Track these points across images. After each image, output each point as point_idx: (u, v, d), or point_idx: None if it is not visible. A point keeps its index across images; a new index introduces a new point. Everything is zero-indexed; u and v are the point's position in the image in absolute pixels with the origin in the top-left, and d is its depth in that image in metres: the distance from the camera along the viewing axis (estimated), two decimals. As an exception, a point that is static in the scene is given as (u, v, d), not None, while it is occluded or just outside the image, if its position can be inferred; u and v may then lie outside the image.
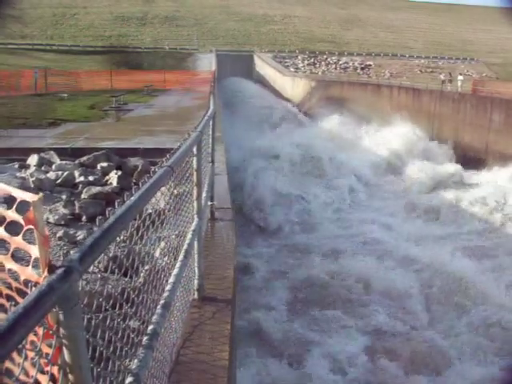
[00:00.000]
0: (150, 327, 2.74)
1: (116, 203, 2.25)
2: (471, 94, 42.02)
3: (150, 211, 3.04)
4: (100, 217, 2.02)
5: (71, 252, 1.65)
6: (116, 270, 2.41)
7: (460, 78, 46.11)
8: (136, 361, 2.40)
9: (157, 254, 3.62)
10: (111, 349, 2.14)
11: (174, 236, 3.91)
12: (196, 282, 4.88)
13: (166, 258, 3.61)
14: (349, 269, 16.15)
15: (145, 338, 2.62)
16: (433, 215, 23.08)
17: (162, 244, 3.70)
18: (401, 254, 17.80)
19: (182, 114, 22.88)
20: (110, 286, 2.44)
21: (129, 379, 2.25)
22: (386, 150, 33.97)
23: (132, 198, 2.37)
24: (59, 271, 1.51)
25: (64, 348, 1.59)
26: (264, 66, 67.28)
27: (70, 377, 1.63)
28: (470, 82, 46.16)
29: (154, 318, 2.85)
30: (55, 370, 1.64)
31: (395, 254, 17.90)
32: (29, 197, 1.72)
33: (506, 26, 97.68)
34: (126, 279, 2.88)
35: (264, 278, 16.11)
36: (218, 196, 8.24)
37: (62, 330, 1.56)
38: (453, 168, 31.16)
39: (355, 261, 16.93)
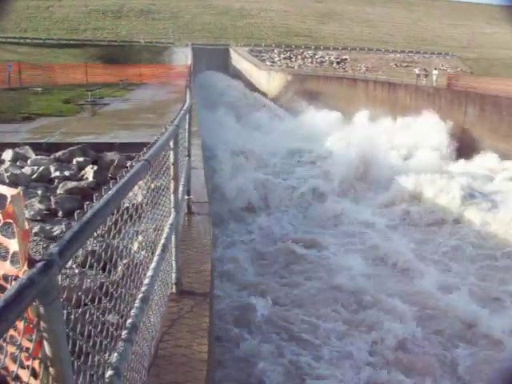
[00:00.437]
0: (129, 321, 2.74)
1: (94, 197, 2.25)
2: (446, 88, 42.37)
3: (128, 205, 3.04)
4: (78, 211, 2.02)
5: (50, 246, 1.65)
6: (94, 265, 2.41)
7: (435, 72, 46.42)
8: (115, 354, 2.40)
9: (134, 248, 3.62)
10: (91, 343, 2.15)
11: (151, 230, 3.92)
12: (174, 275, 4.88)
13: (143, 252, 3.62)
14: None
15: (124, 332, 2.63)
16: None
17: (140, 238, 3.71)
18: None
19: (158, 107, 22.78)
20: (88, 281, 2.45)
21: (109, 372, 2.26)
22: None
23: (110, 191, 2.38)
24: (39, 265, 1.51)
25: (45, 341, 1.60)
26: (240, 60, 67.18)
27: (51, 370, 1.63)
28: (445, 77, 46.54)
29: (133, 311, 2.86)
30: (36, 364, 1.64)
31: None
32: (7, 191, 1.71)
33: (480, 22, 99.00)
34: (105, 274, 2.87)
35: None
36: (194, 190, 8.22)
37: (42, 324, 1.57)
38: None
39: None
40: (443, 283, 14.22)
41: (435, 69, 49.05)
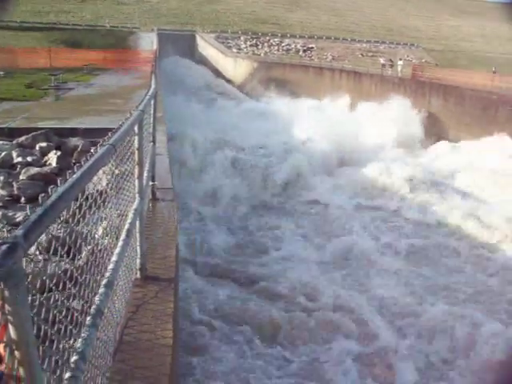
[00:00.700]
0: (94, 306, 2.74)
1: (59, 181, 2.23)
2: (411, 78, 42.85)
3: (92, 191, 3.03)
4: (43, 194, 2.00)
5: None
6: (59, 250, 2.40)
7: (400, 62, 46.90)
8: (80, 339, 2.40)
9: (99, 233, 3.61)
10: (56, 328, 2.14)
11: (115, 215, 3.90)
12: (138, 261, 4.87)
13: (108, 238, 3.61)
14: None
15: (89, 317, 2.62)
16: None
17: (104, 223, 3.69)
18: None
19: (123, 93, 22.52)
20: (52, 266, 2.44)
21: (74, 357, 2.26)
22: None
23: (74, 175, 2.36)
24: (3, 247, 1.50)
25: (10, 325, 1.59)
26: (206, 47, 66.76)
27: (17, 354, 1.62)
28: (410, 67, 47.02)
29: (98, 297, 2.85)
30: (1, 347, 1.64)
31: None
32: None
33: (446, 14, 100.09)
34: (69, 259, 2.86)
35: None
36: (159, 176, 8.19)
37: (7, 307, 1.56)
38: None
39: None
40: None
41: (400, 59, 49.57)
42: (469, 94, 36.96)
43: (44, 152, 10.76)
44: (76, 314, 2.47)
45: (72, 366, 2.21)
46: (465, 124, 33.79)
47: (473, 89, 37.41)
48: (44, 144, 11.05)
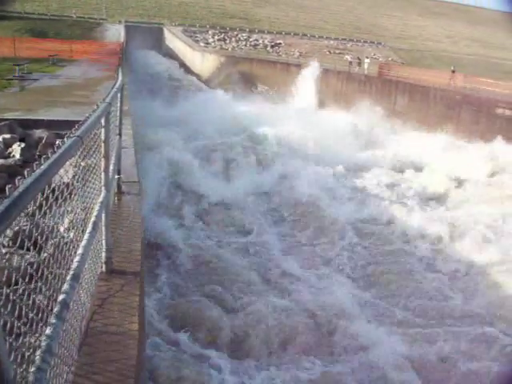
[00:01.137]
0: (60, 299, 2.72)
1: (26, 172, 2.22)
2: (377, 76, 43.28)
3: (58, 183, 3.00)
4: (9, 186, 1.99)
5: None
6: (25, 243, 2.38)
7: (367, 60, 47.29)
8: (47, 332, 2.39)
9: (65, 226, 3.58)
10: (22, 321, 2.13)
11: (81, 208, 3.88)
12: (104, 254, 4.84)
13: (73, 231, 3.58)
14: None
15: (55, 310, 2.60)
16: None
17: (70, 216, 3.66)
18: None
19: (89, 85, 22.24)
20: (18, 259, 2.42)
21: (40, 350, 2.25)
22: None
23: (42, 166, 2.35)
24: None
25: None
26: (174, 40, 66.34)
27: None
28: (377, 66, 47.45)
29: (63, 290, 2.83)
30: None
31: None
32: None
33: (413, 14, 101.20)
34: (35, 252, 2.84)
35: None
36: (124, 170, 8.12)
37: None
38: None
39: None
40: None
41: (367, 57, 49.94)
42: (434, 93, 37.56)
43: (8, 144, 10.58)
44: (42, 307, 2.45)
45: (38, 358, 2.20)
46: (430, 123, 34.38)
47: (438, 88, 38.01)
48: (7, 135, 10.87)
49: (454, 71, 42.20)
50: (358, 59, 49.66)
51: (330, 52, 64.55)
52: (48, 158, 2.54)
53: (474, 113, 35.33)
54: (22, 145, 10.30)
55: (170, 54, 64.42)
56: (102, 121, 4.62)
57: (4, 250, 2.21)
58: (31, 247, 2.46)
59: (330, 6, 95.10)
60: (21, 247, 2.38)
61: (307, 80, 42.19)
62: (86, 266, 3.65)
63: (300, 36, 72.42)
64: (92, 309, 4.17)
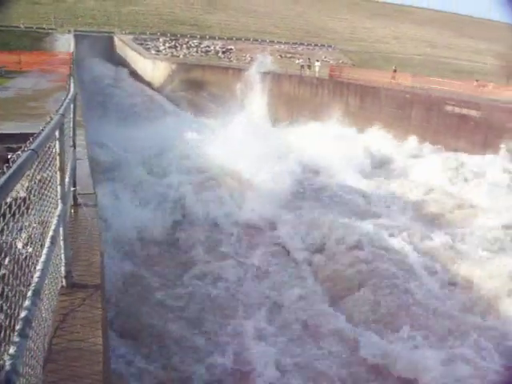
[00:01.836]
0: (22, 316, 2.66)
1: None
2: (328, 79, 43.77)
3: (15, 198, 2.95)
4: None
5: None
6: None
7: (317, 63, 47.77)
8: (10, 350, 2.33)
9: (23, 241, 3.52)
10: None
11: (38, 223, 3.81)
12: (63, 269, 4.77)
13: (32, 246, 3.52)
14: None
15: (17, 327, 2.55)
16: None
17: (27, 231, 3.60)
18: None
19: (40, 96, 21.88)
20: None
21: (5, 369, 2.19)
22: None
23: (-2, 182, 2.31)
24: None
25: None
26: (125, 48, 65.75)
27: None
28: (328, 68, 47.99)
29: (25, 306, 2.78)
30: None
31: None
32: None
33: (362, 16, 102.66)
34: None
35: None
36: (80, 181, 8.03)
37: None
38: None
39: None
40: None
41: (317, 60, 50.44)
42: (384, 94, 38.16)
43: (-43, 159, 10.32)
44: (4, 326, 2.40)
45: (3, 379, 2.15)
46: (381, 123, 35.01)
47: (388, 88, 38.69)
48: (-44, 151, 10.61)
49: (395, 70, 43.33)
50: (309, 61, 50.07)
51: (281, 56, 64.93)
52: (3, 173, 2.49)
53: (424, 111, 36.07)
54: (-29, 159, 10.06)
55: (122, 63, 63.84)
56: (57, 133, 4.56)
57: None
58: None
59: (280, 11, 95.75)
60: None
61: (259, 84, 42.31)
62: (46, 282, 3.59)
63: (251, 41, 72.68)
64: (54, 325, 4.10)
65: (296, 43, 73.52)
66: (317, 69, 46.71)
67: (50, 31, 68.77)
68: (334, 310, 13.61)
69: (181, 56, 63.14)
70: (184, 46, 69.29)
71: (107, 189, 18.19)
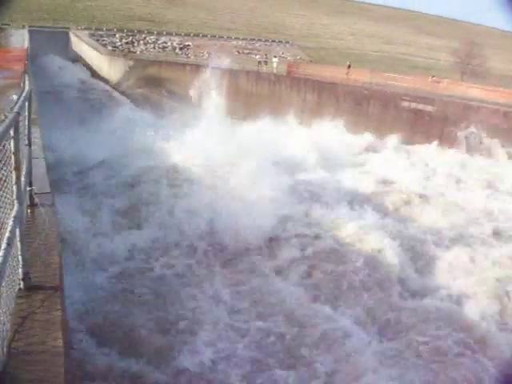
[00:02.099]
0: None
1: None
2: (286, 75, 43.98)
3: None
4: None
5: None
6: None
7: (275, 60, 47.91)
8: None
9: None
10: None
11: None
12: (21, 270, 4.67)
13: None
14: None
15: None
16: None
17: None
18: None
19: (-8, 94, 21.40)
20: None
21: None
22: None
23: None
24: None
25: None
26: (81, 44, 64.81)
27: None
28: (285, 64, 48.19)
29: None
30: None
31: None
32: None
33: (319, 13, 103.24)
34: None
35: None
36: (36, 181, 7.87)
37: None
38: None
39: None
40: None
41: (275, 56, 50.60)
42: (342, 90, 38.55)
43: None
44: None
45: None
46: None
47: (346, 84, 39.11)
48: None
49: (349, 66, 43.98)
50: (266, 57, 50.13)
51: (238, 52, 64.90)
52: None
53: (381, 107, 36.61)
54: None
55: (77, 59, 62.96)
56: (11, 131, 4.46)
57: None
58: None
59: (238, 7, 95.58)
60: None
61: (217, 81, 42.17)
62: (3, 284, 3.52)
63: (208, 37, 72.39)
64: (13, 328, 4.02)
65: (254, 39, 73.52)
66: (274, 65, 46.85)
67: (2, 26, 67.25)
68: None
69: (138, 52, 62.58)
70: (141, 42, 68.67)
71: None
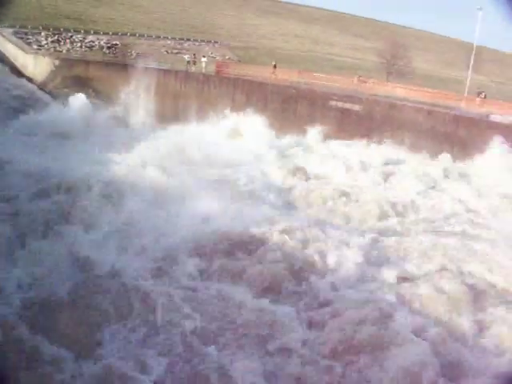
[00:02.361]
0: None
1: None
2: (215, 75, 44.00)
3: None
4: None
5: None
6: None
7: (204, 59, 47.82)
8: None
9: None
10: None
11: None
12: None
13: None
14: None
15: None
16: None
17: None
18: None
19: None
20: None
21: None
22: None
23: None
24: None
25: None
26: (4, 43, 62.78)
27: None
28: (214, 64, 48.18)
29: None
30: None
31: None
32: None
33: (248, 12, 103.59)
34: None
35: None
36: None
37: None
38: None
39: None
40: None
41: (204, 56, 50.51)
42: (271, 89, 38.86)
43: None
44: None
45: None
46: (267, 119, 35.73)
47: (275, 84, 39.47)
48: None
49: (275, 66, 44.58)
50: (194, 57, 49.88)
51: (167, 52, 64.34)
52: None
53: (309, 106, 37.15)
54: None
55: (1, 58, 60.98)
56: None
57: None
58: None
59: (166, 5, 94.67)
60: None
61: (145, 81, 41.75)
62: None
63: (137, 36, 71.37)
64: None
65: (183, 39, 72.93)
66: (203, 65, 46.76)
67: None
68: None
69: (64, 51, 61.14)
70: (68, 40, 67.05)
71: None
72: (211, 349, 12.14)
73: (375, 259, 17.68)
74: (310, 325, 13.48)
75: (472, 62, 54.44)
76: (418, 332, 12.52)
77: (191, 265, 16.24)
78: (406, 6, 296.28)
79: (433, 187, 27.73)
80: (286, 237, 17.88)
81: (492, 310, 14.28)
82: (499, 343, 12.62)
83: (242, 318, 13.46)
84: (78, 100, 40.22)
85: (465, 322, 13.50)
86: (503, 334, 12.90)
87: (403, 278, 16.20)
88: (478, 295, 15.19)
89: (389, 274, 16.17)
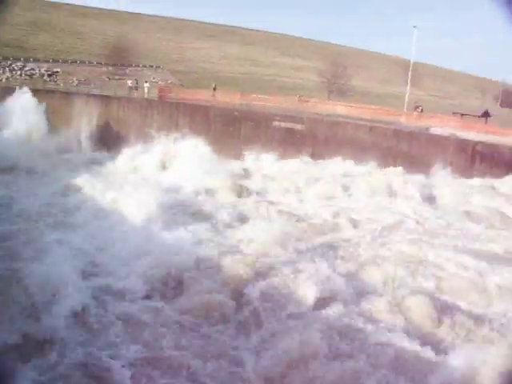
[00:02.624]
0: None
1: None
2: (158, 100, 44.18)
3: None
4: None
5: None
6: None
7: (146, 85, 47.91)
8: None
9: None
10: None
11: None
12: None
13: None
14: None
15: None
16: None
17: None
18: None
19: None
20: None
21: None
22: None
23: None
24: None
25: None
26: None
27: None
28: (157, 89, 48.36)
29: None
30: None
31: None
32: None
33: (190, 37, 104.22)
34: None
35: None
36: None
37: None
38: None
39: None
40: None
41: (146, 81, 50.64)
42: (214, 112, 39.34)
43: None
44: None
45: None
46: (212, 142, 36.08)
47: (217, 107, 39.98)
48: None
49: (215, 88, 45.35)
50: (136, 82, 49.97)
51: (109, 78, 64.24)
52: None
53: (253, 127, 37.74)
54: None
55: None
56: None
57: None
58: None
59: (106, 32, 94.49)
60: None
61: (87, 108, 41.55)
62: None
63: (78, 63, 70.95)
64: None
65: (124, 64, 72.88)
66: (146, 90, 46.85)
67: None
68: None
69: (3, 80, 60.28)
70: (7, 69, 66.15)
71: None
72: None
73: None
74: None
75: (410, 77, 56.27)
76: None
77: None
78: (344, 26, 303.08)
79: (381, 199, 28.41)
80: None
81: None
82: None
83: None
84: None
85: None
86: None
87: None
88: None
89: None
